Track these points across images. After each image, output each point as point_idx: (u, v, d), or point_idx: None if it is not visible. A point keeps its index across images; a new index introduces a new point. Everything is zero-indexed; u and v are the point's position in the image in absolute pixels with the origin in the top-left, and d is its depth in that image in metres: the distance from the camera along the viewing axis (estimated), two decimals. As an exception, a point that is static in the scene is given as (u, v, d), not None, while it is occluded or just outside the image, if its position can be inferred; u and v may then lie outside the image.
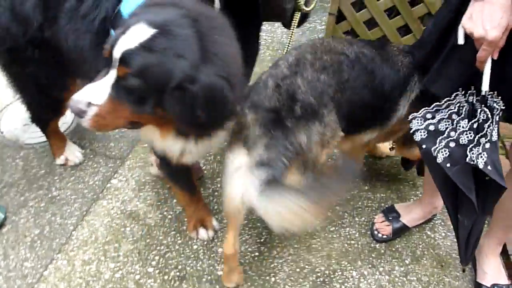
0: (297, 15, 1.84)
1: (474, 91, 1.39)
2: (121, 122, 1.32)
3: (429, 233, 2.14)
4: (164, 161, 1.72)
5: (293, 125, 1.44)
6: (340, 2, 2.58)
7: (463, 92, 1.42)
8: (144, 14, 1.27)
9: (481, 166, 1.28)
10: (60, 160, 2.35)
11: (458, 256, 2.03)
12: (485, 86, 1.32)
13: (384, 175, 2.42)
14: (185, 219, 2.12)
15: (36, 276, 1.88)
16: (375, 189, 2.34)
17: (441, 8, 1.53)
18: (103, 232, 2.06)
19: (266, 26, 3.61)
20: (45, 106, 2.12)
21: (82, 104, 1.24)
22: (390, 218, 2.09)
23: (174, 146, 1.48)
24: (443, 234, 2.14)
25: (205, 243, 2.04)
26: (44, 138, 2.41)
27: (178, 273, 1.92)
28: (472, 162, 1.32)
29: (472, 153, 1.32)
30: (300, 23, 2.00)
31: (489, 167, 1.28)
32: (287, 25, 2.02)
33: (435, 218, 2.19)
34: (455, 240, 2.10)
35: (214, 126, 1.41)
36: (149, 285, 1.88)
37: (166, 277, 1.91)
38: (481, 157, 1.29)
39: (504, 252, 2.01)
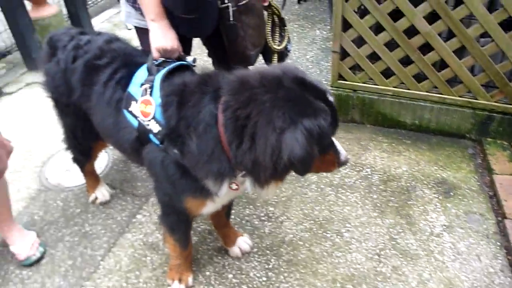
0: (275, 56, 2.04)
1: None
2: None
3: (437, 256, 2.16)
4: (169, 211, 1.83)
5: None
6: (342, 40, 2.77)
7: None
8: None
9: None
10: (91, 198, 2.62)
11: (467, 278, 2.03)
12: None
13: (394, 202, 2.47)
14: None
15: (66, 301, 2.10)
16: (384, 215, 2.40)
17: None
18: (126, 261, 2.26)
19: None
20: (78, 152, 2.43)
21: None
22: None
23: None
24: (452, 257, 2.15)
25: (217, 269, 2.18)
26: (81, 182, 2.72)
27: (190, 298, 2.07)
28: None
29: None
30: (280, 60, 2.19)
31: None
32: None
33: (444, 242, 2.21)
34: (465, 263, 2.12)
35: None
36: (164, 308, 2.04)
37: (179, 301, 2.06)
38: None
39: None
